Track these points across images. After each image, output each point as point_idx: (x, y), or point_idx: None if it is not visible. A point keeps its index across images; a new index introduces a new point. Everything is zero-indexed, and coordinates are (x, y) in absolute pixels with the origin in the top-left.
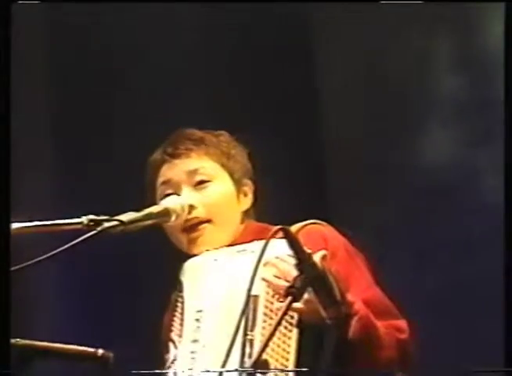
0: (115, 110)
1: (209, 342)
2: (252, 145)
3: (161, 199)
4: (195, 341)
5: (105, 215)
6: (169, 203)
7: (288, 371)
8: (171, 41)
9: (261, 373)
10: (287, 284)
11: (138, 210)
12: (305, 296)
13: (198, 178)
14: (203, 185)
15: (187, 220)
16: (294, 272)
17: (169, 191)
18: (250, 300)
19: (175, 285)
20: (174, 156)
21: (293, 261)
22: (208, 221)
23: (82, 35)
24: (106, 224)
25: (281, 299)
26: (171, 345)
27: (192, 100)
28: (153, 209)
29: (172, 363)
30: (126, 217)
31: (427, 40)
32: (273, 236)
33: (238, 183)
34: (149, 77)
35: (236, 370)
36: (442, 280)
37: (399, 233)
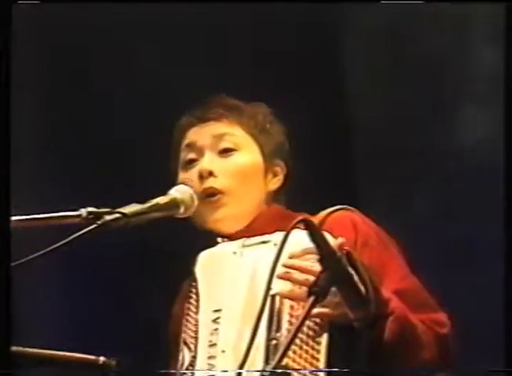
0: (116, 108)
1: (229, 347)
2: (290, 124)
3: (183, 164)
4: (212, 345)
5: (106, 207)
6: (177, 193)
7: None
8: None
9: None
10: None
11: (142, 202)
12: (330, 296)
13: (224, 144)
14: (229, 153)
15: (204, 189)
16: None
17: (191, 156)
18: (275, 300)
19: (188, 281)
20: (203, 119)
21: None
22: (226, 193)
23: (82, 35)
24: (107, 217)
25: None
26: (185, 348)
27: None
28: (160, 200)
29: (187, 369)
30: (129, 209)
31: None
32: (293, 228)
33: (268, 160)
34: (150, 73)
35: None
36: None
37: (433, 223)
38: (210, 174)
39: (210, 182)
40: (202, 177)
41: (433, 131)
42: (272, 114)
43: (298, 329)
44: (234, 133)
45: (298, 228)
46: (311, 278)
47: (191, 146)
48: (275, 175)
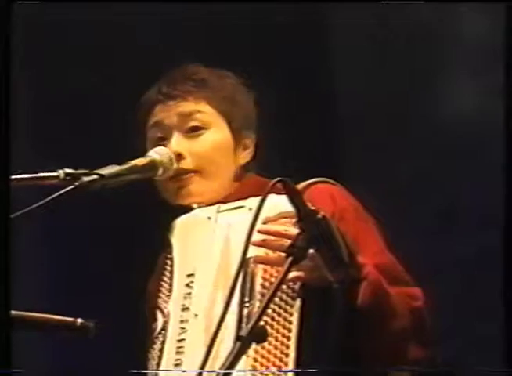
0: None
1: (201, 311)
2: (258, 91)
3: (151, 142)
4: (185, 309)
5: (84, 168)
6: (156, 154)
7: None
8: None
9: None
10: (288, 244)
11: (120, 163)
12: (308, 257)
13: (192, 123)
14: (197, 132)
15: (174, 170)
16: (296, 231)
17: (159, 134)
18: (248, 264)
19: (163, 246)
20: (170, 97)
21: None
22: (196, 172)
23: (82, 35)
24: (85, 178)
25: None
26: (158, 313)
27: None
28: (138, 162)
29: (160, 333)
30: (107, 171)
31: None
32: (271, 190)
33: (237, 134)
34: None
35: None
36: (465, 248)
37: (416, 194)
38: (179, 156)
39: (181, 164)
40: (172, 163)
41: (421, 100)
42: (240, 83)
43: (275, 291)
44: (201, 110)
45: (274, 192)
46: (287, 242)
47: (158, 125)
48: (245, 148)
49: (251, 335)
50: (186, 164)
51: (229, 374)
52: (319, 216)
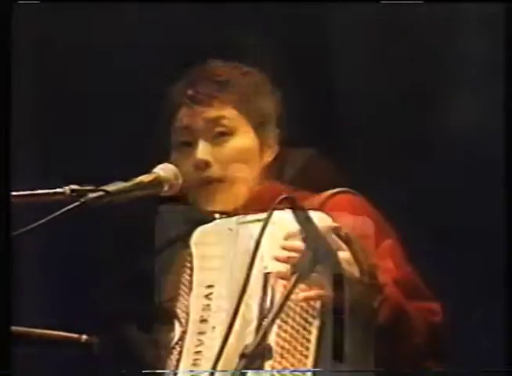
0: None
1: (219, 323)
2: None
3: (176, 145)
4: (204, 321)
5: (90, 184)
6: (161, 171)
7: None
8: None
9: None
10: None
11: (126, 179)
12: (316, 277)
13: (218, 129)
14: (223, 138)
15: (201, 179)
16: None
17: (184, 138)
18: (268, 278)
19: (183, 256)
20: (195, 101)
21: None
22: (222, 180)
23: (82, 35)
24: (91, 194)
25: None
26: (176, 322)
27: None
28: (143, 178)
29: (177, 343)
30: (113, 187)
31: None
32: (277, 206)
33: (262, 134)
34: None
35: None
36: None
37: (424, 212)
38: (206, 164)
39: (207, 172)
40: (198, 167)
41: (429, 116)
42: (264, 81)
43: (280, 309)
44: (227, 116)
45: (281, 207)
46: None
47: (184, 129)
48: (269, 146)
49: (256, 352)
50: (212, 172)
51: None
52: (328, 232)
